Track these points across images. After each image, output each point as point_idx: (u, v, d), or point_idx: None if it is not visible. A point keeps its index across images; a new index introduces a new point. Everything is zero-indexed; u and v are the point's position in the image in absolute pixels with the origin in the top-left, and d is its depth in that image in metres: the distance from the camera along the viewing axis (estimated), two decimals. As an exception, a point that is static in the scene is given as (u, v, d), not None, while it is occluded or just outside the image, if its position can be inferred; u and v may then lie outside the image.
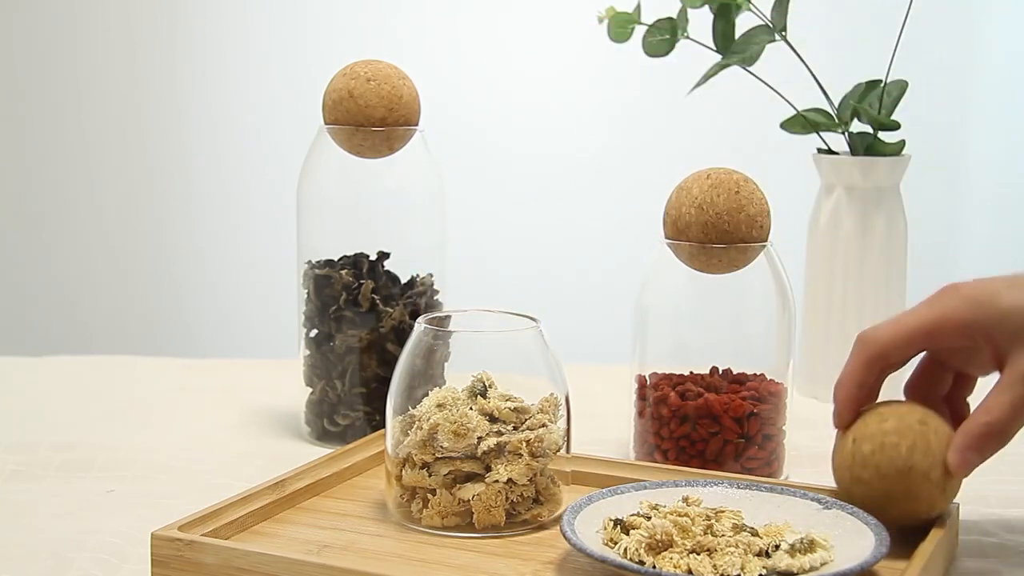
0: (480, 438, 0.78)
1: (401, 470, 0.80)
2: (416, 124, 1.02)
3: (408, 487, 0.80)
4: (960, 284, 0.75)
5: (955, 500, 0.78)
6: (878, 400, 0.80)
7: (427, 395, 0.81)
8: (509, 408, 0.80)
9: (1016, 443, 1.05)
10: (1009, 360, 0.73)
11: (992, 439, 0.73)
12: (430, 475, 0.79)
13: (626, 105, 2.09)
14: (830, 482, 0.81)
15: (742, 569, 0.69)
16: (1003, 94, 2.07)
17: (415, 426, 0.80)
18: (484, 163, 2.10)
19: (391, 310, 1.01)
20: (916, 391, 0.80)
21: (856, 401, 0.78)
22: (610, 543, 0.72)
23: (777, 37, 1.15)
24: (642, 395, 0.94)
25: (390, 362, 0.99)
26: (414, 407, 0.81)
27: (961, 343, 0.76)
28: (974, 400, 0.79)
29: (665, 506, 0.76)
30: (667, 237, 0.91)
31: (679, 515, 0.74)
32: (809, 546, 0.71)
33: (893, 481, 0.75)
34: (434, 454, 0.79)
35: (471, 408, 0.79)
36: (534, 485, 0.80)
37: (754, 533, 0.73)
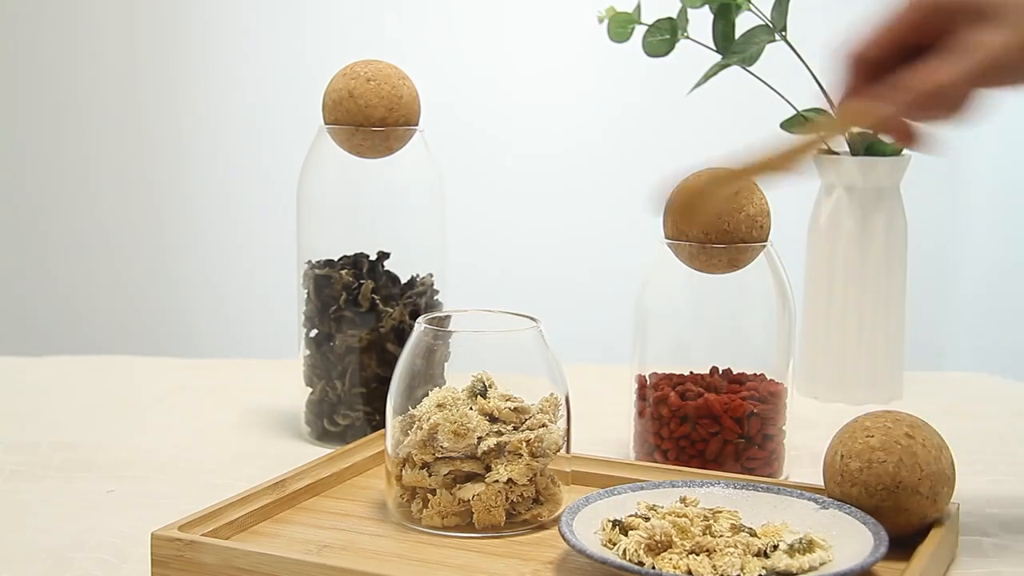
0: (480, 438, 0.78)
1: (401, 470, 0.80)
2: (416, 124, 1.02)
3: (408, 487, 0.80)
4: None
5: (954, 500, 0.78)
6: (867, 413, 0.79)
7: (427, 395, 0.81)
8: (509, 408, 0.80)
9: (1016, 443, 1.05)
10: (963, 31, 0.72)
11: (932, 100, 0.71)
12: (430, 475, 0.79)
13: (626, 105, 2.09)
14: (830, 482, 0.81)
15: (741, 569, 0.69)
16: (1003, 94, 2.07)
17: (415, 426, 0.80)
18: (484, 163, 2.10)
19: (391, 310, 1.01)
20: (866, 47, 0.77)
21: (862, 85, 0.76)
22: (609, 544, 0.72)
23: (777, 37, 1.15)
24: (642, 395, 0.94)
25: (390, 362, 0.99)
26: (414, 407, 0.81)
27: (933, 26, 0.74)
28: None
29: (663, 507, 0.76)
30: (667, 237, 0.91)
31: (678, 516, 0.74)
32: (808, 546, 0.71)
33: (882, 498, 0.75)
34: (434, 454, 0.79)
35: (471, 408, 0.79)
36: (534, 485, 0.80)
37: (752, 533, 0.73)
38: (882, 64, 0.75)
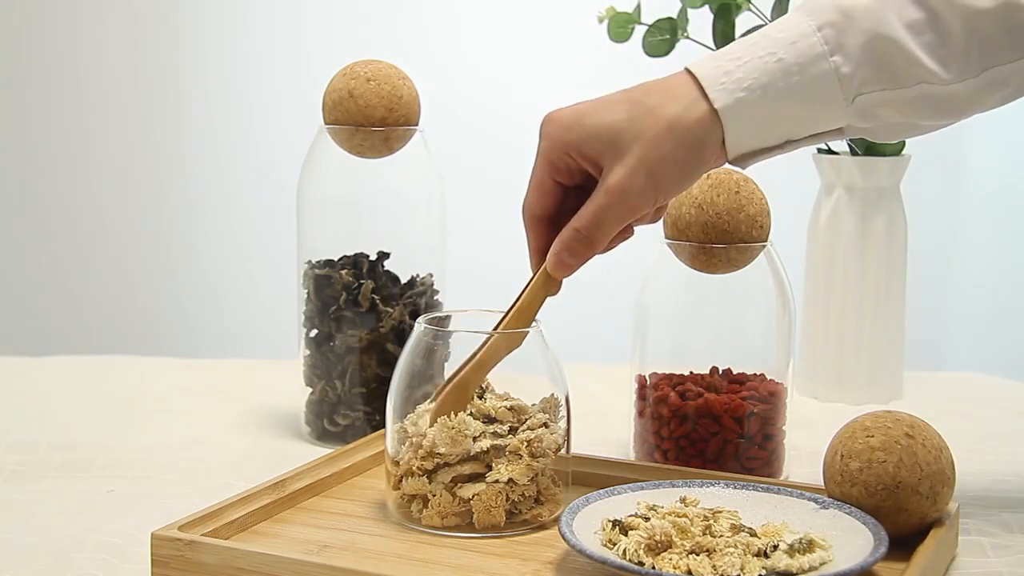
0: (475, 438, 0.78)
1: (401, 481, 0.80)
2: (416, 124, 1.02)
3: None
4: (554, 114, 0.78)
5: (954, 500, 0.78)
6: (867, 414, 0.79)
7: (425, 396, 0.81)
8: (506, 408, 0.80)
9: (1016, 443, 1.05)
10: (601, 174, 0.76)
11: (581, 243, 0.77)
12: (431, 482, 0.79)
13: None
14: (830, 482, 0.81)
15: (741, 569, 0.69)
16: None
17: (409, 443, 0.80)
18: (484, 163, 2.10)
19: (391, 310, 1.01)
20: (532, 209, 0.80)
21: (542, 255, 0.80)
22: (609, 544, 0.72)
23: (777, 37, 1.15)
24: (642, 395, 0.94)
25: (390, 362, 0.99)
26: (413, 408, 0.81)
27: (570, 166, 0.78)
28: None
29: (663, 507, 0.76)
30: (667, 237, 0.91)
31: (677, 516, 0.74)
32: (808, 546, 0.71)
33: (882, 498, 0.75)
34: (434, 460, 0.79)
35: (469, 412, 0.79)
36: (535, 485, 0.80)
37: (752, 533, 0.73)
38: (558, 212, 0.79)
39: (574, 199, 0.78)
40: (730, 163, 0.77)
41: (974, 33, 0.74)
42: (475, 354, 0.80)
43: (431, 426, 0.78)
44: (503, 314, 0.81)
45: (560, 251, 0.78)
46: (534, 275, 0.80)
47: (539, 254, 0.80)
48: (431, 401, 0.81)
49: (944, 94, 0.76)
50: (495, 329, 0.80)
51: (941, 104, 0.76)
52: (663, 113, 0.75)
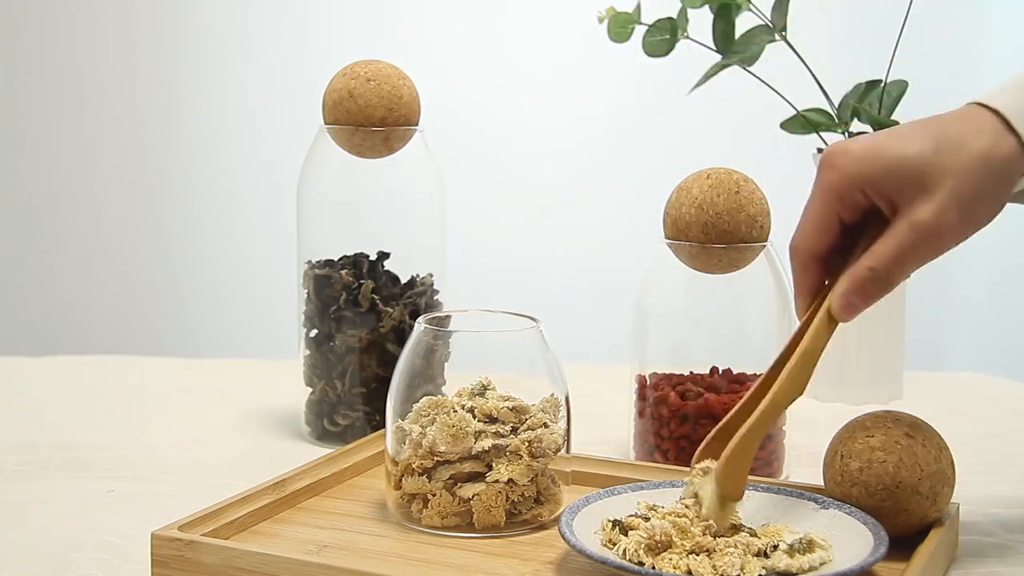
0: (476, 438, 0.78)
1: (401, 479, 0.80)
2: (416, 124, 1.02)
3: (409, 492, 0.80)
4: (844, 146, 0.74)
5: (954, 500, 0.78)
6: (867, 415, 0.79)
7: (424, 396, 0.81)
8: (507, 408, 0.80)
9: (1016, 443, 1.05)
10: (899, 209, 0.73)
11: (876, 284, 0.73)
12: (431, 480, 0.79)
13: (626, 105, 2.09)
14: (830, 482, 0.81)
15: (741, 570, 0.69)
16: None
17: (408, 441, 0.80)
18: (484, 163, 2.10)
19: (391, 310, 1.01)
20: (810, 247, 0.77)
21: (812, 296, 0.77)
22: (609, 544, 0.72)
23: (777, 37, 1.15)
24: (642, 395, 0.94)
25: (390, 362, 0.99)
26: (412, 410, 0.81)
27: (858, 202, 0.75)
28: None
29: (663, 507, 0.76)
30: (667, 237, 0.91)
31: (678, 516, 0.74)
32: (808, 546, 0.71)
33: (882, 498, 0.75)
34: (434, 458, 0.79)
35: (469, 409, 0.79)
36: (535, 485, 0.80)
37: (752, 533, 0.73)
38: (832, 250, 0.76)
39: (846, 237, 0.75)
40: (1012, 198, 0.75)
41: None
42: (748, 401, 0.76)
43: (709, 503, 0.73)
44: (776, 361, 0.76)
45: (850, 293, 0.74)
46: (805, 317, 0.76)
47: (809, 295, 0.76)
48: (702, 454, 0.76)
49: None
50: (771, 373, 0.75)
51: None
52: (973, 146, 0.72)
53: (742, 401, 0.75)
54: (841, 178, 0.74)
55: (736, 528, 0.73)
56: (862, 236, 0.75)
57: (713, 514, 0.73)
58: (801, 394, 0.75)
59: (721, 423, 0.75)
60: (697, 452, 0.75)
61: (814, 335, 0.74)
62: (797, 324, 0.77)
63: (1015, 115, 0.72)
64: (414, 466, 0.79)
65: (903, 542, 0.74)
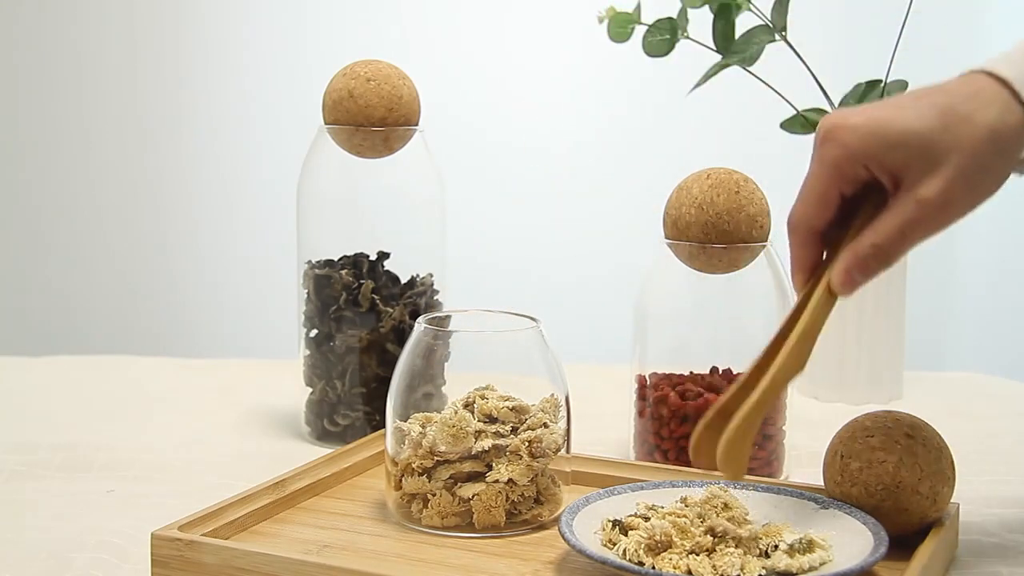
0: (476, 438, 0.78)
1: (401, 479, 0.80)
2: (416, 124, 1.02)
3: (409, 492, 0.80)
4: (844, 118, 0.72)
5: (954, 500, 0.78)
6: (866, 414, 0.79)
7: (424, 397, 0.81)
8: (508, 408, 0.80)
9: (1016, 443, 1.05)
10: (902, 184, 0.71)
11: (878, 260, 0.72)
12: (431, 480, 0.79)
13: (626, 105, 2.09)
14: (830, 482, 0.81)
15: (741, 569, 0.69)
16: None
17: (408, 441, 0.80)
18: (484, 163, 2.10)
19: (391, 310, 1.01)
20: (809, 222, 0.75)
21: (809, 272, 0.75)
22: (609, 544, 0.72)
23: (777, 37, 1.15)
24: (642, 395, 0.94)
25: (390, 362, 0.99)
26: (414, 408, 0.81)
27: (860, 176, 0.73)
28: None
29: (663, 507, 0.76)
30: (667, 237, 0.91)
31: (678, 516, 0.74)
32: (808, 546, 0.71)
33: (882, 498, 0.75)
34: (434, 458, 0.79)
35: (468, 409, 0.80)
36: (535, 485, 0.80)
37: (752, 534, 0.73)
38: (830, 225, 0.74)
39: (843, 210, 0.74)
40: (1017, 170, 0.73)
41: None
42: (746, 381, 0.73)
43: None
44: (775, 339, 0.74)
45: (851, 268, 0.72)
46: (803, 293, 0.74)
47: (807, 271, 0.74)
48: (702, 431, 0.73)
49: None
50: (769, 352, 0.74)
51: None
52: (980, 120, 0.69)
53: (739, 381, 0.74)
54: (843, 152, 0.71)
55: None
56: (858, 208, 0.74)
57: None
58: (802, 371, 0.73)
59: (717, 404, 0.74)
60: (693, 437, 0.74)
61: (814, 311, 0.73)
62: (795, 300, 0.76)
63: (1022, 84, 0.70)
64: (414, 466, 0.79)
65: (903, 542, 0.74)
